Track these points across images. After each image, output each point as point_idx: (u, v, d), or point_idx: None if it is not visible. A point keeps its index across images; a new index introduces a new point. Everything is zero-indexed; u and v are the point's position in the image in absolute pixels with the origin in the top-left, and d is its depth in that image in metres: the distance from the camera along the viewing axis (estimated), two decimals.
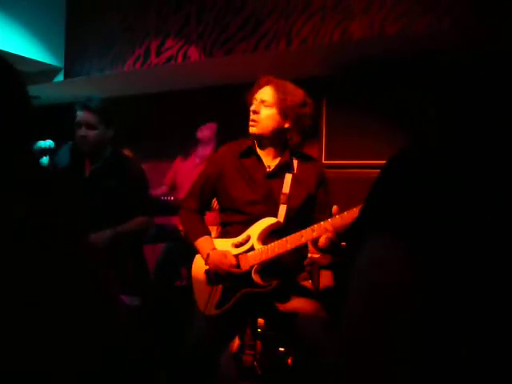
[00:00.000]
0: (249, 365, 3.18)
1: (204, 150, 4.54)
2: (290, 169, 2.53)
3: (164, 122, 5.36)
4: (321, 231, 2.21)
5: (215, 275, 2.46)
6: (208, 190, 2.61)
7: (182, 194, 4.35)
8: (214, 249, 2.48)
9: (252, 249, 2.40)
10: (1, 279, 0.66)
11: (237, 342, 3.20)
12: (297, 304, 2.40)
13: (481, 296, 0.85)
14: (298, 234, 2.28)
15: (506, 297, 0.84)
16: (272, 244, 2.34)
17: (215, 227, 2.72)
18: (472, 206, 0.88)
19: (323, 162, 3.95)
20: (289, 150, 2.55)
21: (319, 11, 3.59)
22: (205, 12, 4.11)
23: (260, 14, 3.83)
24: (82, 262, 0.76)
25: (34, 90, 5.09)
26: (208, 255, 2.46)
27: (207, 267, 2.49)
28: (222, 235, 2.60)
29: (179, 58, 4.24)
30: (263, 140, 2.53)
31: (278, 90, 2.51)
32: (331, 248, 2.24)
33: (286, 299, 2.43)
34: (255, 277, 2.36)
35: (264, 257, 2.35)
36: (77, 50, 4.86)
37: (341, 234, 2.16)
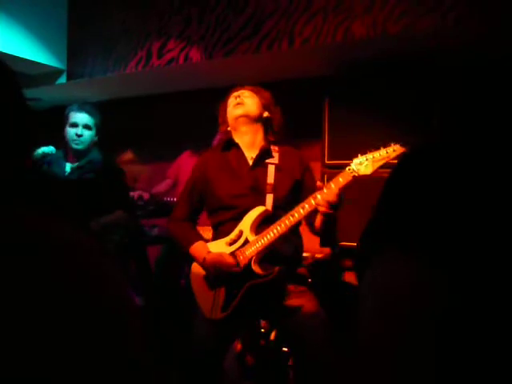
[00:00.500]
0: (252, 365, 3.17)
1: None
2: (270, 156, 2.58)
3: (166, 124, 5.36)
4: (310, 206, 2.24)
5: (215, 278, 2.45)
6: (196, 195, 2.63)
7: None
8: (209, 252, 2.46)
9: (247, 242, 2.40)
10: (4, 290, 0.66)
11: (240, 342, 3.20)
12: (298, 302, 2.40)
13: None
14: (288, 214, 2.30)
15: None
16: (265, 231, 2.35)
17: (210, 227, 2.71)
18: (487, 210, 0.87)
19: (326, 162, 3.94)
20: (267, 139, 2.63)
21: (321, 11, 3.59)
22: (206, 13, 4.11)
23: (262, 14, 3.82)
24: (84, 269, 0.75)
25: (36, 92, 5.11)
26: (204, 259, 2.45)
27: (205, 273, 2.49)
28: (215, 237, 2.59)
29: (181, 60, 4.23)
30: (246, 125, 2.59)
31: (254, 89, 2.68)
32: (327, 220, 2.27)
33: (286, 295, 2.43)
34: (255, 268, 2.35)
35: (260, 246, 2.35)
36: (79, 52, 4.87)
37: (332, 204, 2.18)
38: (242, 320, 2.54)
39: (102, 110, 3.55)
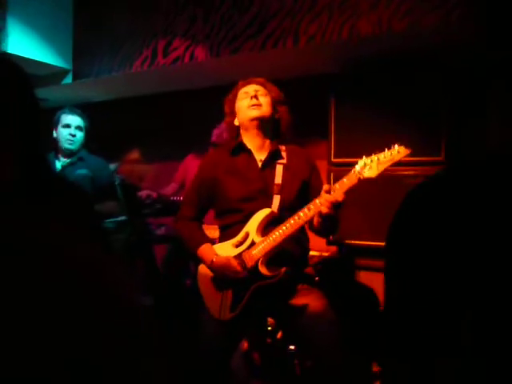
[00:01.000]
0: (259, 363, 3.18)
1: None
2: (279, 157, 2.56)
3: (172, 122, 5.37)
4: (316, 208, 2.24)
5: (223, 280, 2.46)
6: (204, 194, 2.62)
7: None
8: (217, 255, 2.47)
9: (253, 244, 2.40)
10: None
11: (247, 340, 3.20)
12: (305, 301, 2.39)
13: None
14: (295, 215, 2.30)
15: None
16: (271, 233, 2.35)
17: (216, 226, 2.72)
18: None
19: (332, 160, 3.94)
20: (276, 140, 2.61)
21: (326, 8, 3.58)
22: (211, 12, 4.11)
23: (266, 13, 3.82)
24: (76, 270, 0.75)
25: (42, 92, 5.11)
26: (212, 262, 2.46)
27: (213, 275, 2.49)
28: (222, 238, 2.59)
29: (186, 58, 4.24)
30: (259, 128, 2.57)
31: (265, 84, 2.67)
32: (327, 219, 2.26)
33: (294, 294, 2.43)
34: (262, 269, 2.35)
35: (267, 248, 2.35)
36: (85, 51, 4.88)
37: (336, 205, 2.18)
38: (249, 319, 2.54)
39: (108, 110, 3.62)
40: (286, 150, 2.61)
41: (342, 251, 3.80)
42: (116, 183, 3.76)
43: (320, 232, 2.48)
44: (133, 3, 4.59)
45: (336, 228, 2.44)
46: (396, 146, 2.15)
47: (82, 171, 3.70)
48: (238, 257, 2.41)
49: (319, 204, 2.21)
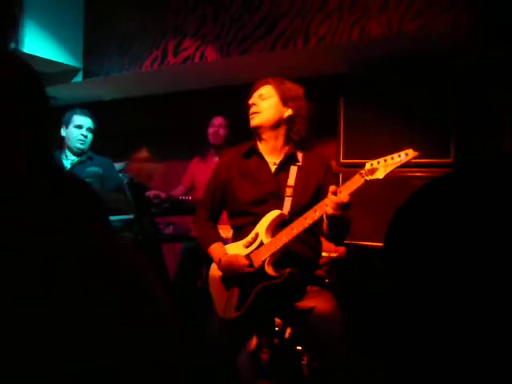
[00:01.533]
0: (266, 363, 3.18)
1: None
2: (295, 160, 2.54)
3: (181, 122, 5.38)
4: (322, 209, 2.23)
5: (230, 279, 2.47)
6: (218, 196, 2.63)
7: (201, 193, 4.37)
8: (226, 254, 2.49)
9: (261, 244, 2.41)
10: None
11: (254, 340, 3.21)
12: (313, 303, 2.40)
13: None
14: (301, 217, 2.29)
15: None
16: (279, 234, 2.35)
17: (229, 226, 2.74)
18: None
19: (341, 160, 3.94)
20: (292, 143, 2.57)
21: (336, 10, 3.59)
22: (221, 12, 4.12)
23: (276, 13, 3.83)
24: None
25: (52, 90, 5.14)
26: (220, 260, 2.48)
27: (222, 274, 2.51)
28: (234, 239, 2.61)
29: (196, 58, 4.25)
30: (265, 133, 2.53)
31: (277, 83, 2.57)
32: (333, 220, 2.25)
33: (303, 296, 2.43)
34: (268, 269, 2.36)
35: (274, 248, 2.35)
36: (95, 50, 4.90)
37: (343, 206, 2.16)
38: (256, 319, 2.55)
39: (118, 108, 3.65)
40: (303, 154, 2.57)
41: (350, 252, 3.81)
42: (124, 182, 3.79)
43: (329, 236, 2.46)
44: (143, 2, 4.61)
45: (345, 233, 2.43)
46: (404, 148, 2.15)
47: (94, 169, 3.84)
48: (247, 257, 2.42)
49: (325, 205, 2.22)
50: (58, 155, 3.82)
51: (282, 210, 2.44)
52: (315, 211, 2.26)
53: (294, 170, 2.51)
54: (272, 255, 2.36)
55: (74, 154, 3.88)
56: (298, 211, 2.40)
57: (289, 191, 2.46)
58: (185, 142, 5.29)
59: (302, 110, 2.56)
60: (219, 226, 2.76)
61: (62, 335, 0.65)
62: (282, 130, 2.56)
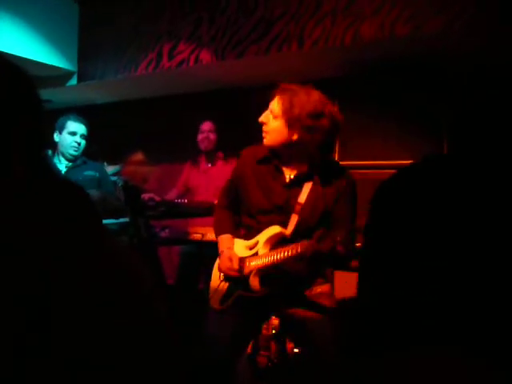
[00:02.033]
0: (264, 366, 3.19)
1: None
2: (310, 179, 2.38)
3: (176, 125, 5.38)
4: (295, 252, 2.21)
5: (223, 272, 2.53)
6: (233, 191, 2.60)
7: (196, 197, 4.37)
8: (229, 248, 2.50)
9: (257, 254, 2.41)
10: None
11: (251, 343, 3.22)
12: (305, 313, 2.40)
13: None
14: (289, 247, 2.24)
15: None
16: (275, 250, 2.32)
17: None
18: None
19: None
20: (308, 161, 2.38)
21: (330, 13, 3.61)
22: (216, 15, 4.13)
23: (271, 17, 3.84)
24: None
25: (46, 93, 5.14)
26: (222, 252, 2.51)
27: None
28: (244, 236, 2.56)
29: (191, 62, 4.26)
30: (279, 150, 2.39)
31: (285, 99, 2.30)
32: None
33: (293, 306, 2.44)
34: (252, 281, 2.36)
35: (262, 263, 2.34)
36: (90, 53, 4.90)
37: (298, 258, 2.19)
38: (254, 322, 2.56)
39: (112, 112, 3.64)
40: (321, 172, 2.38)
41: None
42: (119, 185, 3.81)
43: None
44: (138, 6, 4.61)
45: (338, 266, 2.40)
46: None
47: (91, 172, 3.86)
48: (242, 260, 2.44)
49: (299, 250, 2.19)
50: (51, 159, 3.83)
51: (287, 225, 2.37)
52: (297, 246, 2.21)
53: (307, 187, 2.37)
54: (261, 269, 2.36)
55: (67, 159, 3.89)
56: (303, 230, 2.33)
57: (297, 208, 2.35)
58: (179, 145, 5.28)
59: (312, 131, 2.27)
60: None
61: (61, 335, 0.67)
62: (295, 150, 2.36)
